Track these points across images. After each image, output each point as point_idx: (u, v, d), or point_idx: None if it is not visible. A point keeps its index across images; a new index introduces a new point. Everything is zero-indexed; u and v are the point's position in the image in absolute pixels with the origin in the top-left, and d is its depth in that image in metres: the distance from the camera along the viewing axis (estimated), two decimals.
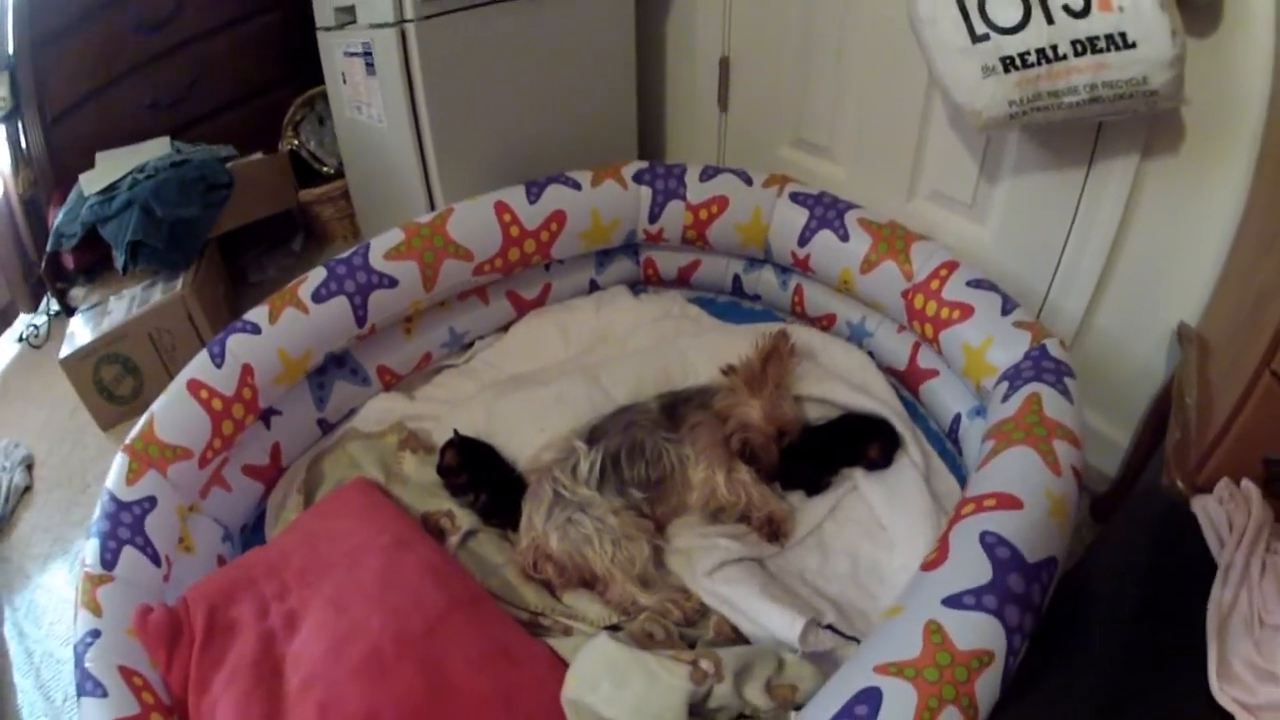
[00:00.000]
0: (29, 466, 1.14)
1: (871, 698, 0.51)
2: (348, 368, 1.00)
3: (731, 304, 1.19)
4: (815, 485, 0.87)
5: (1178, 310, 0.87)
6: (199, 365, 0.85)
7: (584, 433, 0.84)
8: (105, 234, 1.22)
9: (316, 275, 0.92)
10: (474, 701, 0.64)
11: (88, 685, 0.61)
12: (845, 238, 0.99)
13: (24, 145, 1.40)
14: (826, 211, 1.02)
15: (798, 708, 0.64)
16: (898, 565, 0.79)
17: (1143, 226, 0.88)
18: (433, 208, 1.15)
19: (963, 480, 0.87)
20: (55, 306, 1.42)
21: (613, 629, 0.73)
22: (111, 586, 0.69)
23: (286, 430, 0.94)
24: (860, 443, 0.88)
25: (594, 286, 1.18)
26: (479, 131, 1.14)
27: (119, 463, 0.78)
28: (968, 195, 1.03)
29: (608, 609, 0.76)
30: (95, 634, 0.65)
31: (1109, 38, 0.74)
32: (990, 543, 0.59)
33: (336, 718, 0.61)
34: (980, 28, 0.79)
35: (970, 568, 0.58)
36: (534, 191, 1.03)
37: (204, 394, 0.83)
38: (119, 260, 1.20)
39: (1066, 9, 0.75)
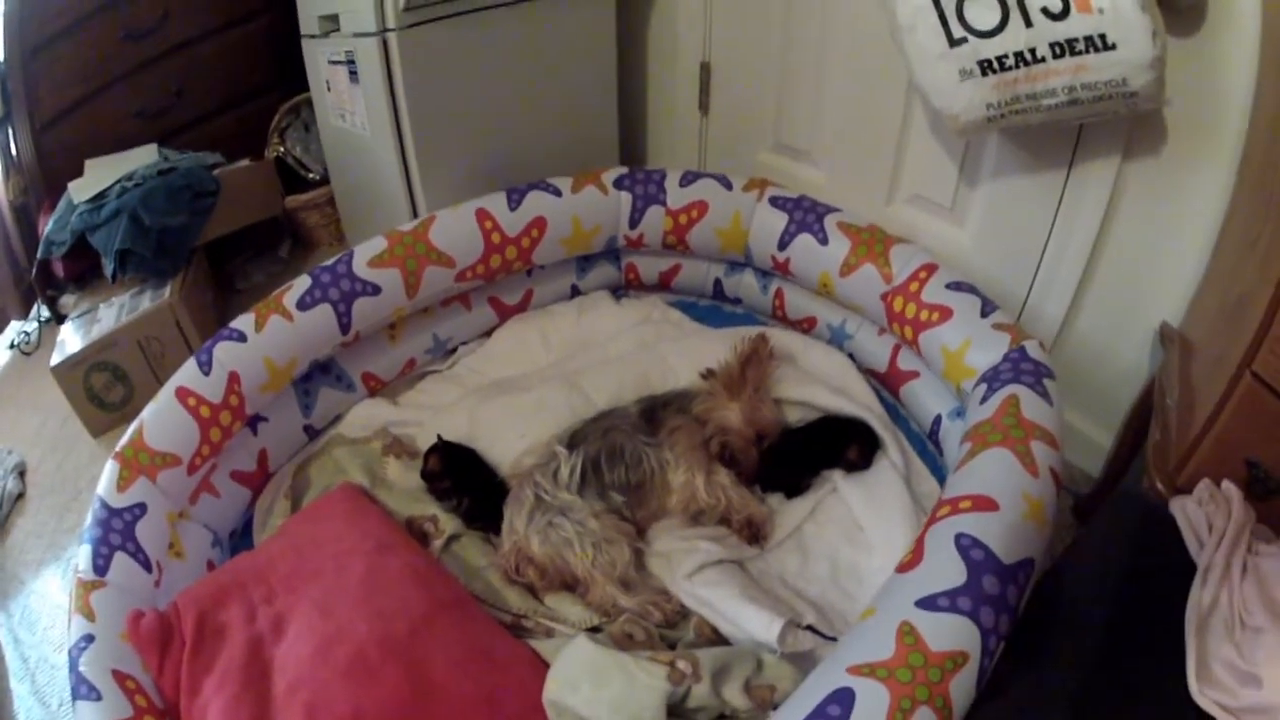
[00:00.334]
0: (22, 473, 1.14)
1: (844, 698, 0.52)
2: (333, 374, 1.01)
3: (713, 308, 1.20)
4: (795, 488, 0.88)
5: (1160, 311, 0.87)
6: (187, 373, 0.86)
7: (564, 438, 0.85)
8: (94, 242, 1.22)
9: (301, 283, 0.93)
10: (458, 702, 0.65)
11: (82, 689, 0.62)
12: (824, 241, 1.00)
13: (14, 152, 1.40)
14: (806, 215, 1.03)
15: (776, 708, 0.64)
16: (877, 567, 0.79)
17: (1124, 228, 0.89)
18: (415, 215, 1.16)
19: (944, 481, 0.86)
20: (46, 313, 1.42)
21: (594, 631, 0.74)
22: (104, 592, 0.70)
23: (273, 437, 0.95)
24: (839, 445, 0.88)
25: (575, 292, 1.18)
26: (461, 139, 1.15)
27: (109, 470, 0.79)
28: (947, 198, 1.03)
29: (589, 611, 0.77)
30: (89, 639, 0.66)
31: (1088, 39, 0.74)
32: (965, 545, 0.60)
33: (323, 719, 0.62)
34: (958, 32, 0.79)
35: (944, 570, 0.58)
36: (515, 198, 1.04)
37: (192, 401, 0.83)
38: (108, 268, 1.21)
39: (1045, 11, 0.75)
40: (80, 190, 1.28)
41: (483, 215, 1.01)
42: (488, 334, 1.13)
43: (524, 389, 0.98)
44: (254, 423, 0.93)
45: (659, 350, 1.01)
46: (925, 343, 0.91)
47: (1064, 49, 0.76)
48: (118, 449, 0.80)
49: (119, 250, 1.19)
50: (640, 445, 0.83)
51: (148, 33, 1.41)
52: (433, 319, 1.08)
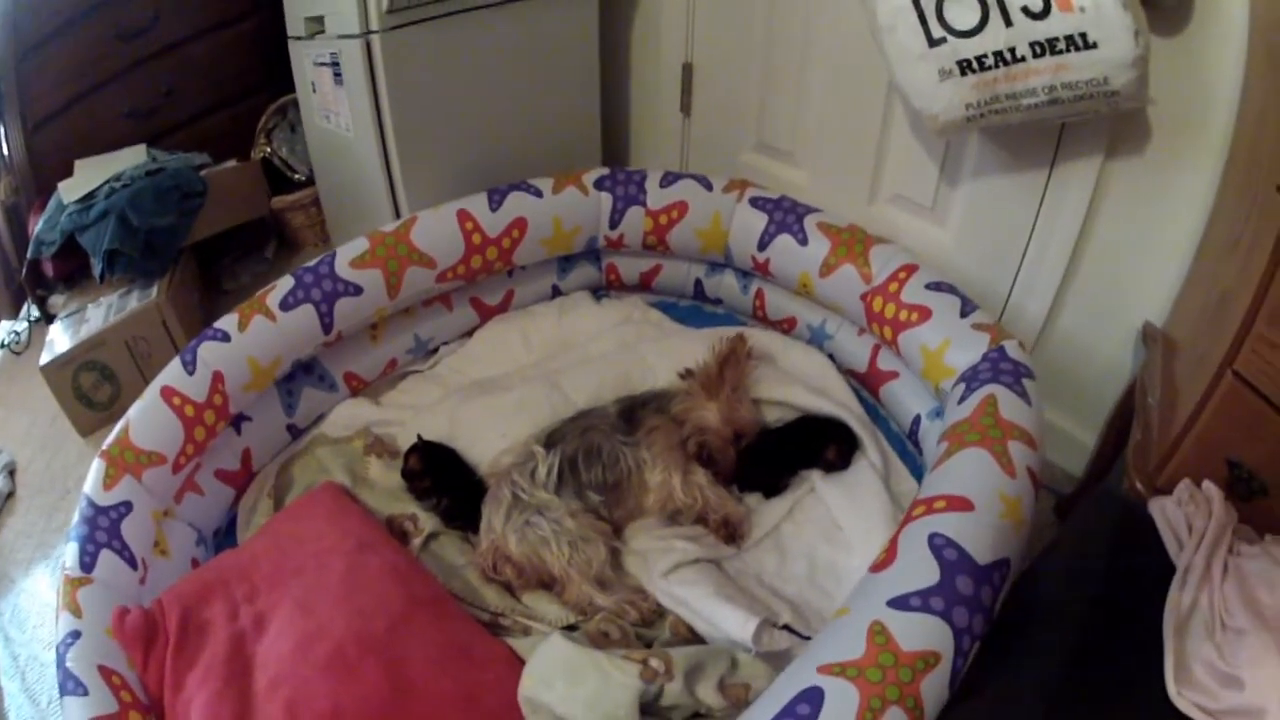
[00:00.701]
0: (11, 472, 1.15)
1: (814, 697, 0.51)
2: (316, 374, 1.01)
3: (693, 308, 1.20)
4: (773, 487, 0.88)
5: (1143, 310, 0.87)
6: (172, 373, 0.86)
7: (543, 437, 0.85)
8: (83, 242, 1.22)
9: (284, 284, 0.93)
10: (435, 699, 0.66)
11: (69, 684, 0.63)
12: (804, 242, 1.00)
13: (6, 152, 1.41)
14: (786, 216, 1.02)
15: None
16: (855, 566, 0.79)
17: (1107, 227, 0.89)
18: (398, 216, 1.15)
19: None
20: (36, 313, 1.42)
21: (570, 629, 0.74)
22: (91, 589, 0.71)
23: (257, 436, 0.95)
24: (818, 445, 0.88)
25: (556, 292, 1.18)
26: (444, 140, 1.15)
27: (96, 468, 0.79)
28: (928, 198, 1.03)
29: (566, 610, 0.76)
30: (76, 635, 0.67)
31: (1069, 39, 0.74)
32: (939, 544, 0.59)
33: (304, 715, 0.63)
34: (937, 32, 0.79)
35: (917, 569, 0.58)
36: (495, 199, 1.03)
37: (177, 401, 0.83)
38: (96, 269, 1.21)
39: (1025, 10, 0.74)
40: (70, 190, 1.28)
41: (464, 216, 1.01)
42: (469, 334, 1.13)
43: (504, 389, 0.98)
44: (238, 422, 0.93)
45: (639, 350, 1.01)
46: (905, 343, 0.90)
47: (1044, 48, 0.76)
48: (104, 447, 0.80)
49: (107, 250, 1.19)
50: (618, 445, 0.83)
51: (139, 33, 1.41)
52: (414, 319, 1.08)
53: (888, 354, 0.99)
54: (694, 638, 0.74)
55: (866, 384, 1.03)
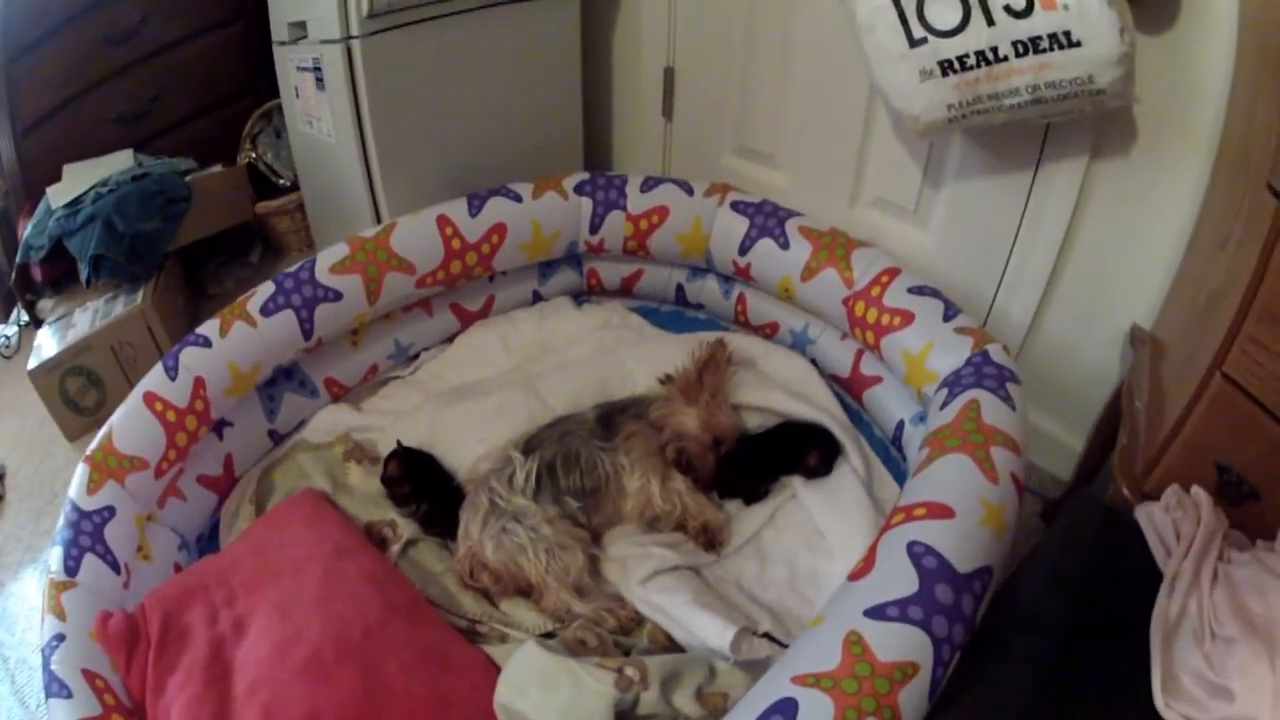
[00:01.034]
0: (1, 477, 1.15)
1: (788, 708, 0.50)
2: (296, 380, 0.99)
3: (675, 313, 1.18)
4: (753, 493, 0.86)
5: (1130, 312, 0.86)
6: (154, 378, 0.85)
7: (521, 443, 0.83)
8: (70, 247, 1.21)
9: (265, 289, 0.92)
10: (410, 705, 0.65)
11: (54, 687, 0.63)
12: (785, 246, 0.98)
13: None
14: (767, 220, 1.01)
15: None
16: (836, 573, 0.77)
17: (1093, 228, 0.87)
18: (379, 221, 1.14)
19: None
20: (25, 317, 1.41)
21: (548, 636, 0.73)
22: (75, 592, 0.70)
23: (239, 441, 0.94)
24: (799, 450, 0.87)
25: (537, 297, 1.16)
26: (425, 145, 1.13)
27: (80, 473, 0.78)
28: (911, 201, 1.02)
29: (543, 617, 0.75)
30: (60, 638, 0.66)
31: (1052, 37, 0.73)
32: (918, 553, 0.58)
33: (281, 718, 0.63)
34: (918, 31, 0.78)
35: (896, 578, 0.57)
36: (475, 204, 1.02)
37: (159, 406, 0.82)
38: (82, 274, 1.20)
39: (1008, 9, 0.73)
40: (58, 195, 1.27)
41: (443, 221, 0.99)
42: (450, 340, 1.11)
43: (484, 394, 0.97)
44: (220, 428, 0.92)
45: (618, 355, 1.00)
46: (887, 347, 0.89)
47: (1027, 47, 0.75)
48: (88, 452, 0.80)
49: (93, 256, 1.18)
50: (596, 451, 0.82)
51: (126, 37, 1.39)
52: (395, 325, 1.07)
53: (870, 359, 0.97)
54: (672, 645, 0.73)
55: (849, 389, 1.01)
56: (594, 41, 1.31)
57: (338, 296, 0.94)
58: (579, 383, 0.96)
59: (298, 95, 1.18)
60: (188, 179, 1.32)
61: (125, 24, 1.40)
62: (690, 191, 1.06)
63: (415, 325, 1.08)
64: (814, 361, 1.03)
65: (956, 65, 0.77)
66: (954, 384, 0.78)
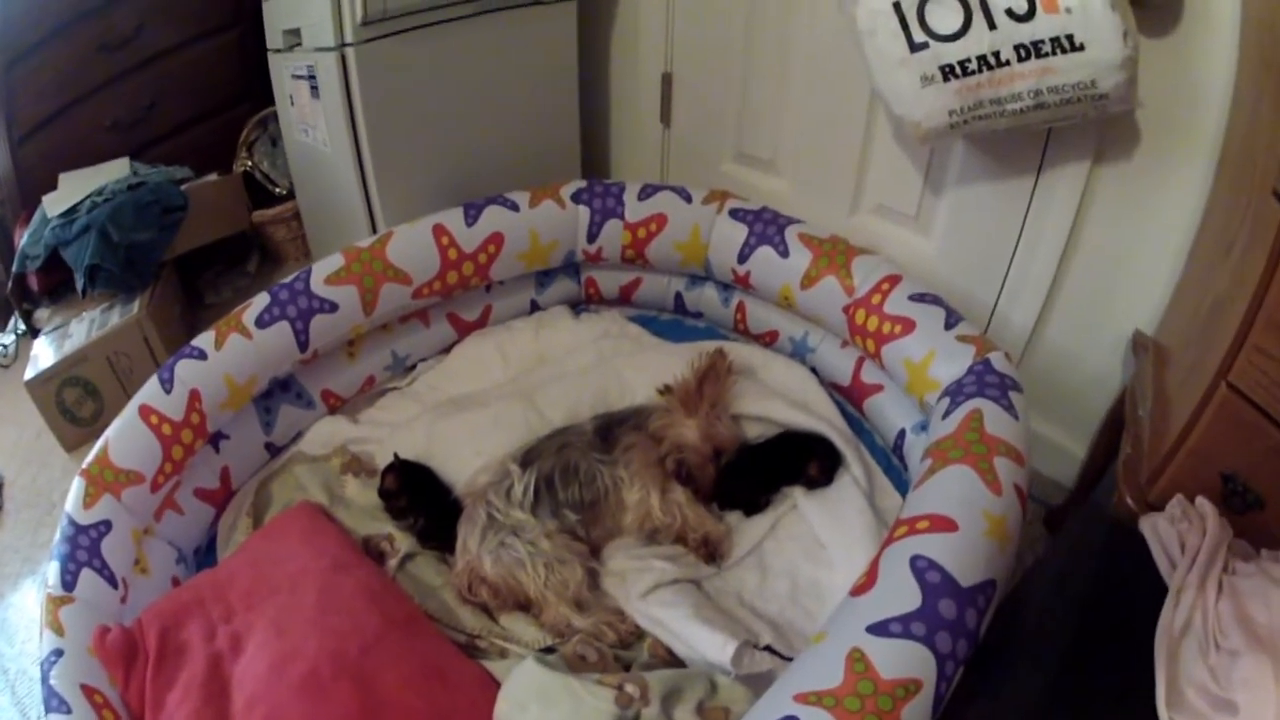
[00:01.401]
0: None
1: None
2: (293, 391, 0.98)
3: (674, 322, 1.17)
4: (753, 505, 0.85)
5: (1133, 318, 0.85)
6: (149, 391, 0.84)
7: (519, 455, 0.82)
8: (66, 257, 1.20)
9: (260, 301, 0.91)
10: None
11: (53, 702, 0.62)
12: (785, 253, 0.97)
13: None
14: (766, 227, 0.99)
15: None
16: (838, 584, 0.76)
17: (1095, 234, 0.86)
18: (375, 231, 1.13)
19: None
20: (22, 327, 1.40)
21: (547, 651, 0.71)
22: (73, 607, 0.70)
23: (235, 454, 0.93)
24: (799, 461, 0.85)
25: (535, 307, 1.15)
26: (421, 154, 1.12)
27: (76, 487, 0.78)
28: (912, 207, 1.01)
29: (543, 631, 0.74)
30: (59, 653, 0.66)
31: (1055, 41, 0.72)
32: (921, 567, 0.57)
33: None
34: (919, 36, 0.76)
35: (898, 594, 0.55)
36: (472, 213, 1.01)
37: (154, 419, 0.81)
38: (78, 284, 1.19)
39: (1009, 13, 0.72)
40: (54, 204, 1.26)
41: (439, 231, 0.98)
42: (447, 350, 1.10)
43: (481, 406, 0.95)
44: (216, 440, 0.91)
45: (616, 366, 0.98)
46: (888, 356, 0.88)
47: (1029, 51, 0.74)
48: (84, 466, 0.79)
49: (88, 265, 1.17)
50: (594, 463, 0.81)
51: (123, 44, 1.38)
52: (391, 336, 1.06)
53: (871, 367, 0.96)
54: (673, 660, 0.72)
55: (850, 398, 1.00)
56: (591, 47, 1.30)
57: (333, 308, 0.93)
58: (577, 394, 0.95)
59: (293, 103, 1.17)
60: (183, 188, 1.31)
61: (122, 30, 1.39)
62: (688, 199, 1.05)
63: (412, 336, 1.07)
64: (814, 370, 1.01)
65: (958, 70, 0.76)
66: (956, 393, 0.77)
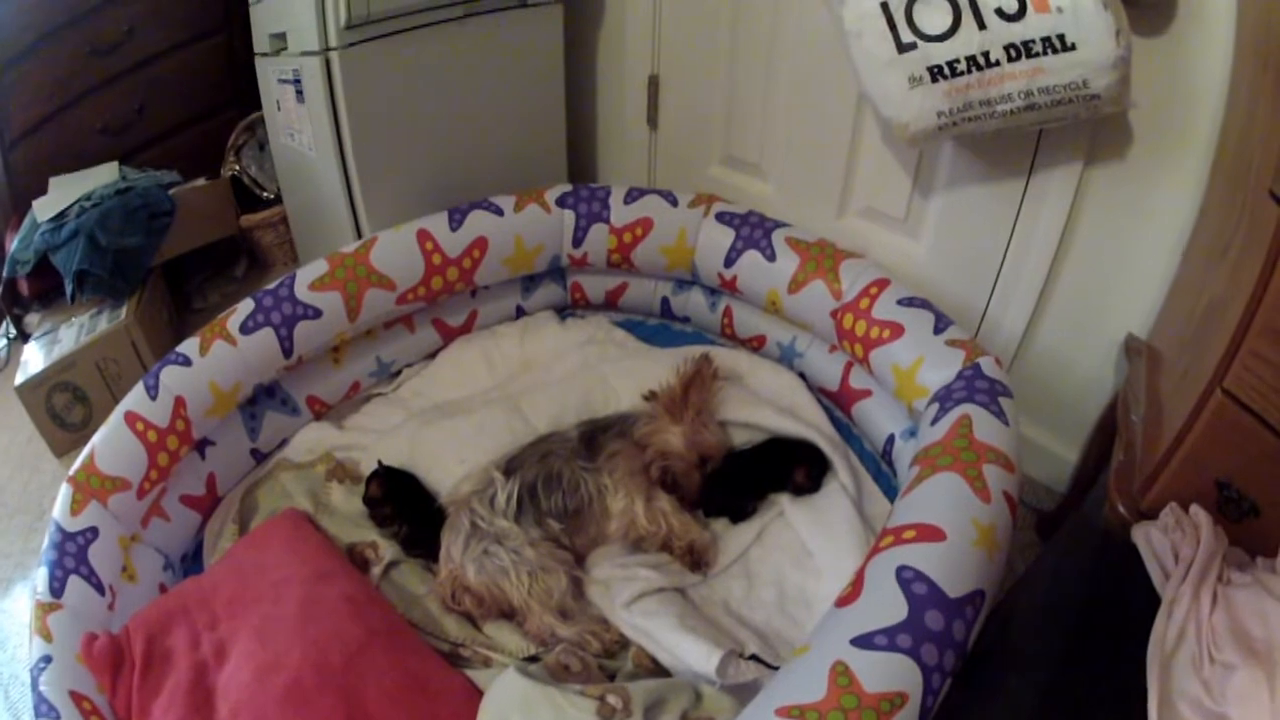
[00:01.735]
0: None
1: None
2: (278, 398, 0.97)
3: (661, 327, 1.15)
4: (739, 512, 0.84)
5: (1126, 321, 0.84)
6: (135, 397, 0.82)
7: (502, 463, 0.81)
8: (55, 262, 1.19)
9: (244, 307, 0.89)
10: None
11: (43, 709, 0.62)
12: (772, 257, 0.95)
13: None
14: (753, 231, 0.98)
15: None
16: (825, 593, 0.75)
17: (1087, 236, 0.85)
18: (359, 236, 1.11)
19: None
20: (13, 331, 1.38)
21: (531, 660, 0.71)
22: (61, 614, 0.69)
23: (221, 461, 0.91)
24: (786, 467, 0.84)
25: (520, 312, 1.14)
26: (407, 158, 1.10)
27: (64, 493, 0.76)
28: (901, 210, 0.99)
29: (527, 640, 0.73)
30: (47, 660, 0.65)
31: (1046, 40, 0.71)
32: (907, 578, 0.55)
33: None
34: (907, 36, 0.75)
35: (884, 605, 0.54)
36: (456, 218, 0.99)
37: (140, 426, 0.80)
38: (67, 289, 1.17)
39: (999, 12, 0.71)
40: (44, 209, 1.25)
41: (423, 236, 0.97)
42: (432, 356, 1.09)
43: (465, 412, 0.94)
44: (201, 447, 0.89)
45: (601, 372, 0.97)
46: (876, 361, 0.86)
47: (1020, 51, 0.72)
48: (70, 473, 0.78)
49: (77, 271, 1.15)
50: (578, 471, 0.80)
51: (113, 48, 1.37)
52: (376, 341, 1.04)
53: (860, 372, 0.95)
54: (657, 669, 0.71)
55: (838, 403, 0.98)
56: (577, 51, 1.28)
57: (317, 314, 0.91)
58: (562, 400, 0.93)
59: (279, 108, 1.16)
60: (171, 192, 1.30)
61: (112, 35, 1.37)
62: (674, 203, 1.04)
63: (397, 342, 1.06)
64: (802, 375, 1.00)
65: (947, 71, 0.75)
66: (945, 398, 0.76)
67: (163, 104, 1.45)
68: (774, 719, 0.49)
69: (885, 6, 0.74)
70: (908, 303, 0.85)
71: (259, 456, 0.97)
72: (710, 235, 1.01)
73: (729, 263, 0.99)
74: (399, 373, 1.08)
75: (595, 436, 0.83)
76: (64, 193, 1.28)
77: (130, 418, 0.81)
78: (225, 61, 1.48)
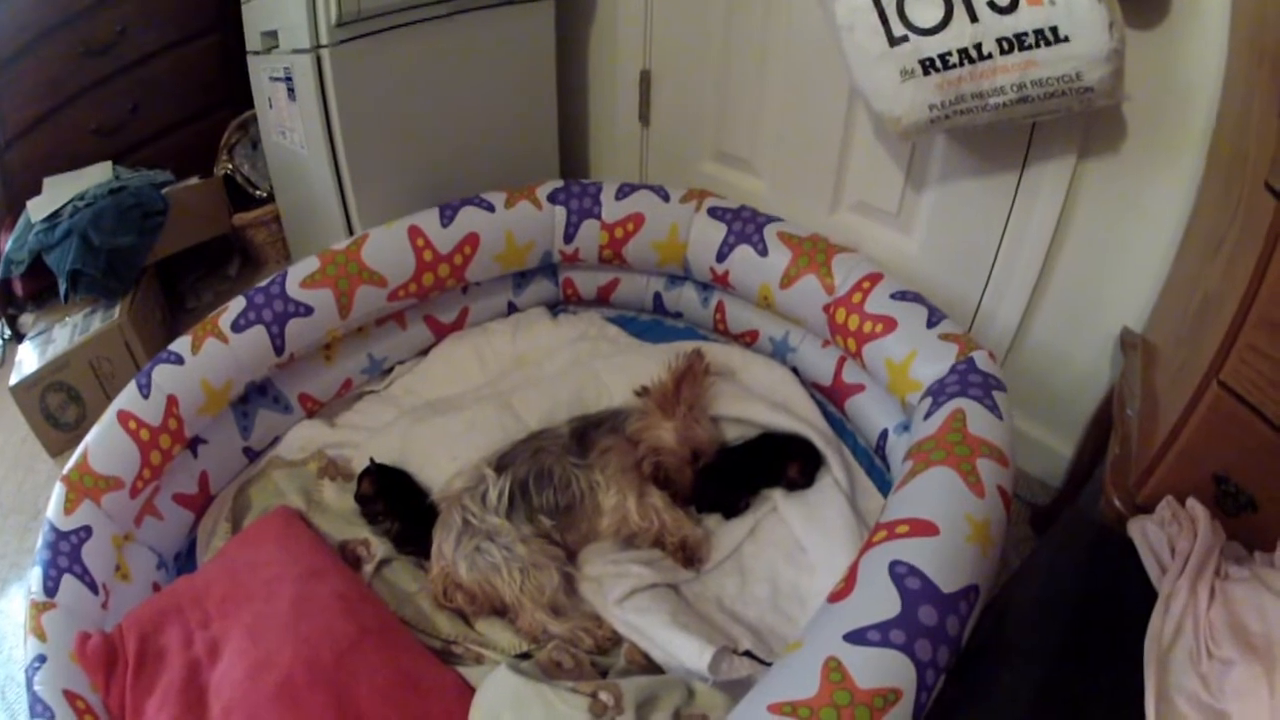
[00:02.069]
0: None
1: None
2: (270, 396, 0.96)
3: (653, 322, 1.14)
4: (732, 508, 0.83)
5: (1121, 315, 0.82)
6: (128, 396, 0.82)
7: (494, 460, 0.80)
8: (49, 262, 1.17)
9: (236, 305, 0.88)
10: None
11: (38, 708, 0.62)
12: (764, 252, 0.94)
13: None
14: (745, 226, 0.97)
15: None
16: (819, 589, 0.74)
17: (1081, 229, 0.84)
18: (351, 233, 1.10)
19: None
20: (8, 331, 1.37)
21: (524, 657, 0.69)
22: (55, 613, 0.69)
23: (214, 459, 0.90)
24: (779, 462, 0.83)
25: (512, 308, 1.12)
26: (398, 155, 1.09)
27: (57, 493, 0.76)
28: (893, 205, 0.97)
29: (519, 637, 0.72)
30: (42, 659, 0.65)
31: (1038, 33, 0.70)
32: (900, 573, 0.54)
33: None
34: (898, 30, 0.74)
35: (877, 600, 0.53)
36: (447, 215, 0.98)
37: (132, 425, 0.79)
38: (61, 288, 1.16)
39: (992, 5, 0.71)
40: (38, 209, 1.24)
41: (415, 232, 0.95)
42: (424, 353, 1.08)
43: (457, 409, 0.93)
44: (194, 445, 0.88)
45: (593, 368, 0.95)
46: (869, 355, 0.85)
47: (1012, 44, 0.71)
48: (64, 472, 0.77)
49: (70, 270, 1.14)
50: (570, 467, 0.79)
51: (106, 48, 1.35)
52: (368, 338, 1.03)
53: (853, 367, 0.93)
54: (650, 666, 0.70)
55: (831, 398, 0.97)
56: (569, 46, 1.27)
57: (309, 311, 0.90)
58: (554, 397, 0.92)
59: (271, 106, 1.15)
60: (164, 191, 1.28)
61: (105, 35, 1.35)
62: (666, 198, 1.02)
63: (389, 339, 1.04)
64: (795, 370, 0.99)
65: (939, 64, 0.74)
66: (938, 392, 0.74)
67: (156, 103, 1.44)
68: (766, 715, 0.49)
69: (877, 0, 0.73)
70: (900, 297, 0.84)
71: (251, 454, 0.95)
72: (702, 230, 1.00)
73: (721, 258, 0.98)
74: (391, 370, 1.06)
75: (587, 432, 0.82)
76: (58, 193, 1.27)
77: (123, 416, 0.80)
78: (218, 61, 1.46)
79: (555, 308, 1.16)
